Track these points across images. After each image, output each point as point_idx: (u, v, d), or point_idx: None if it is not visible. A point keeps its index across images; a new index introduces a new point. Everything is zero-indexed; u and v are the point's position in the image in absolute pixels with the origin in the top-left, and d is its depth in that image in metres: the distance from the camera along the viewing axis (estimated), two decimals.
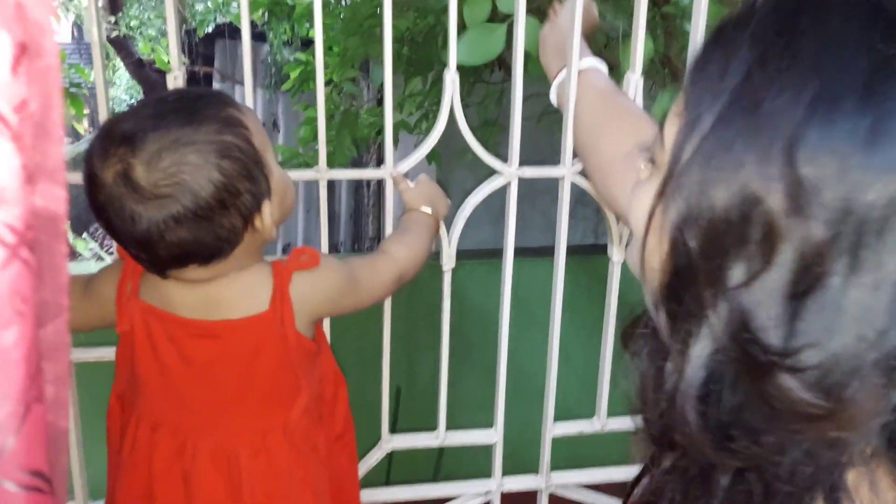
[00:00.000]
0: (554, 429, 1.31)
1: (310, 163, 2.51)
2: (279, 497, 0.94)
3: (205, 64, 6.22)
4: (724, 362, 0.42)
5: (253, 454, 0.93)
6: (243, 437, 0.93)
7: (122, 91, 9.96)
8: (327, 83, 2.41)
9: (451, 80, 1.14)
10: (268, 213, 0.84)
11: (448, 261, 1.21)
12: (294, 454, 0.95)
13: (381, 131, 2.87)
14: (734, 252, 0.40)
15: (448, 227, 1.19)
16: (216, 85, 6.09)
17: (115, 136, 0.78)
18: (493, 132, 2.82)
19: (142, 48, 4.70)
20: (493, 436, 1.30)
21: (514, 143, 1.17)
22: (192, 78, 5.90)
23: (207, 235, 0.80)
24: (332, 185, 5.48)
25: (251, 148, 0.82)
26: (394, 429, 1.99)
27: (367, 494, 1.28)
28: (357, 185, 5.17)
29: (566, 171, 1.19)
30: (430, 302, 2.27)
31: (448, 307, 1.25)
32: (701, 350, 0.43)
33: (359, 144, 2.65)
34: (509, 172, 1.19)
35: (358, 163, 4.63)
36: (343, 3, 2.52)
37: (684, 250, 0.43)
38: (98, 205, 0.80)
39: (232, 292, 0.87)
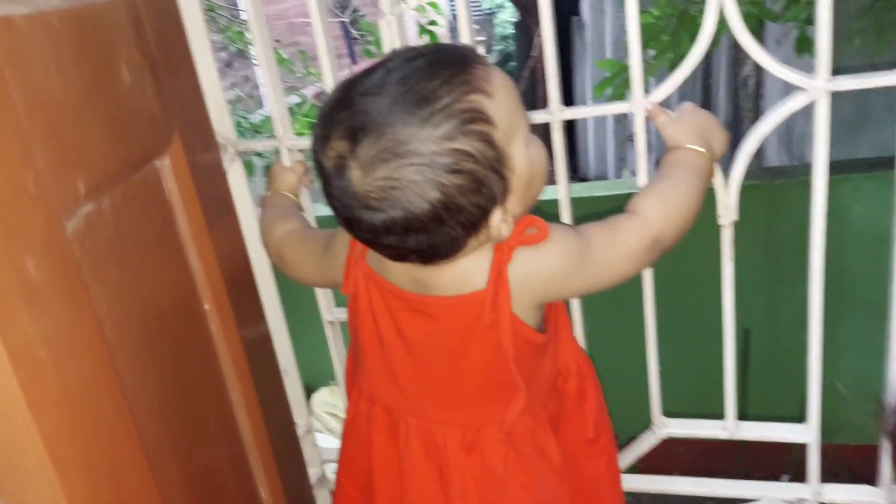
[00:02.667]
0: None
1: (645, 75, 2.24)
2: (492, 502, 0.82)
3: None
4: None
5: (465, 449, 0.83)
6: (453, 429, 0.83)
7: (508, 14, 10.38)
8: None
9: None
10: (498, 219, 0.69)
11: (726, 212, 0.92)
12: (513, 456, 0.82)
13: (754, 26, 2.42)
14: None
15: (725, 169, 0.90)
16: None
17: (338, 123, 0.67)
18: (891, 8, 2.19)
19: None
20: (804, 433, 1.00)
21: (822, 42, 0.82)
22: None
23: (422, 245, 0.69)
24: (707, 86, 4.99)
25: (490, 149, 0.66)
26: (743, 377, 1.76)
27: (642, 481, 1.10)
28: (735, 86, 4.60)
29: None
30: (798, 221, 1.90)
31: (731, 271, 0.96)
32: None
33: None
34: (814, 87, 0.85)
35: (707, 67, 4.10)
36: None
37: None
38: (321, 178, 0.72)
39: (445, 275, 0.75)
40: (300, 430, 1.15)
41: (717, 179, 0.90)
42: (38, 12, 0.57)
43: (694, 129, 0.85)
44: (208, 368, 0.83)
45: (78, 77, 0.61)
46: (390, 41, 0.96)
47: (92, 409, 0.56)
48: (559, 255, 0.74)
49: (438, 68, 0.66)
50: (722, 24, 0.91)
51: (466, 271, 0.74)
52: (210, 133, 0.92)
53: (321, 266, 0.89)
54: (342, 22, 5.82)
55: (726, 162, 0.90)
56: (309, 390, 2.45)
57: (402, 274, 0.77)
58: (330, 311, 1.15)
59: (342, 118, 0.66)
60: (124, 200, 0.68)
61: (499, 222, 0.69)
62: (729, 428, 1.03)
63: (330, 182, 0.68)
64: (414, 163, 0.63)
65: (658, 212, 0.78)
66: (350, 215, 0.68)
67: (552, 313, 0.82)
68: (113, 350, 0.61)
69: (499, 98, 0.67)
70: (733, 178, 0.91)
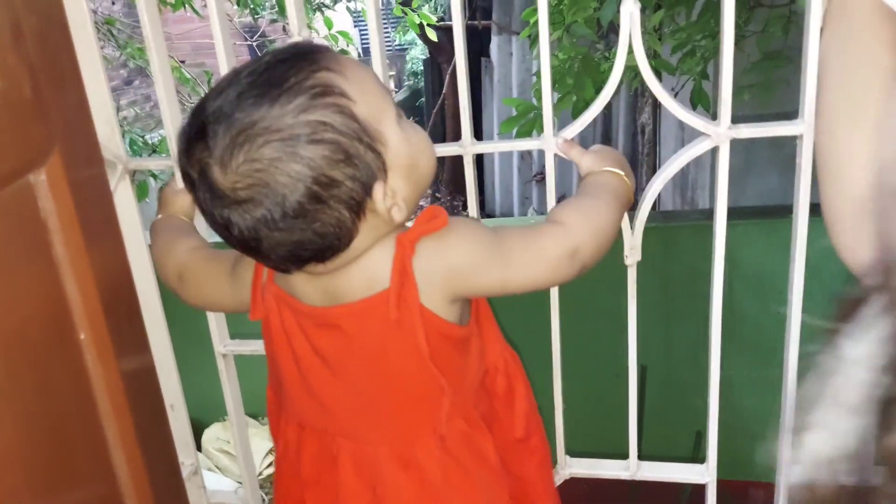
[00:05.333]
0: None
1: None
2: None
3: (483, 17, 6.20)
4: None
5: (401, 466, 0.79)
6: (385, 446, 0.79)
7: (418, 51, 10.50)
8: (559, 26, 2.14)
9: (629, 14, 0.85)
10: (380, 196, 0.67)
11: (632, 252, 0.93)
12: (451, 465, 0.79)
13: (638, 74, 2.52)
14: None
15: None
16: (493, 38, 6.05)
17: (193, 127, 0.67)
18: (778, 66, 2.34)
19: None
20: (702, 474, 1.01)
21: (725, 93, 0.85)
22: (469, 31, 5.92)
23: (309, 236, 0.66)
24: (608, 131, 5.17)
25: (351, 120, 0.65)
26: (640, 414, 1.76)
27: None
28: (634, 132, 4.81)
29: (805, 128, 0.83)
30: (690, 264, 1.98)
31: (633, 311, 0.97)
32: None
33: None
34: (718, 133, 0.87)
35: (608, 113, 4.28)
36: None
37: None
38: (197, 204, 0.70)
39: (353, 279, 0.73)
40: (186, 471, 1.07)
41: (624, 220, 0.90)
42: None
43: (609, 159, 0.86)
44: (81, 404, 0.76)
45: None
46: None
47: None
48: (464, 246, 0.73)
49: (285, 59, 0.67)
50: (627, 70, 0.94)
51: (369, 270, 0.72)
52: (95, 149, 0.84)
53: (229, 287, 0.85)
54: (249, 45, 5.72)
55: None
56: (201, 426, 2.32)
57: (311, 288, 0.74)
58: (223, 343, 1.09)
59: (195, 122, 0.66)
60: None
61: (383, 199, 0.67)
62: (631, 468, 1.03)
63: (198, 193, 0.67)
64: (270, 139, 0.62)
65: (578, 222, 0.77)
66: (225, 221, 0.66)
67: (473, 306, 0.80)
68: None
69: (351, 75, 0.67)
70: (638, 219, 0.92)
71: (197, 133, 0.66)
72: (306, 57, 0.67)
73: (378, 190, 0.67)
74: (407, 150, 0.70)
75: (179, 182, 0.98)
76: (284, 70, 0.65)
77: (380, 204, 0.67)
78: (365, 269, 0.72)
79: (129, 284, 0.89)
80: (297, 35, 0.90)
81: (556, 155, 0.91)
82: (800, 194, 0.86)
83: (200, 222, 0.99)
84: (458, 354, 0.78)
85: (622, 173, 0.84)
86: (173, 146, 0.97)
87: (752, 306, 1.88)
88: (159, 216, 0.97)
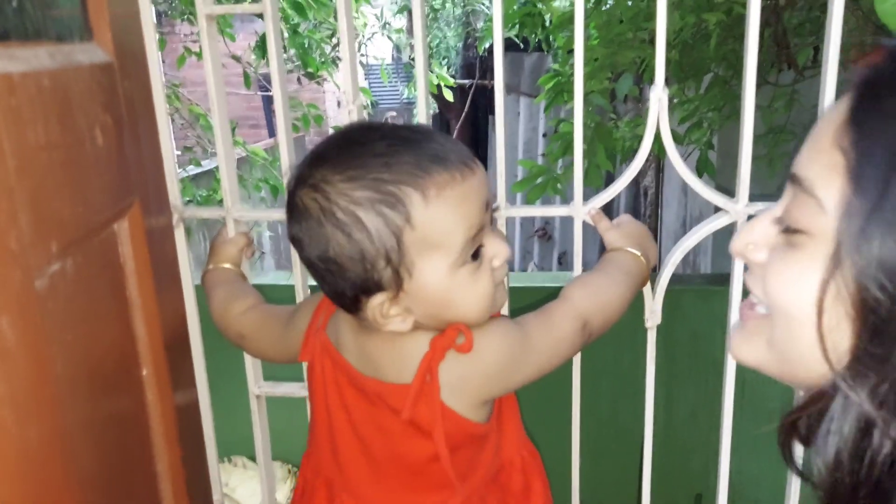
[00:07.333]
0: None
1: (560, 181, 2.37)
2: None
3: (491, 77, 6.37)
4: None
5: None
6: None
7: None
8: (572, 96, 2.24)
9: (658, 99, 0.93)
10: (377, 306, 0.70)
11: (652, 316, 0.99)
12: None
13: (642, 139, 2.62)
14: None
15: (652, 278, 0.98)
16: None
17: (310, 160, 0.71)
18: (781, 140, 2.44)
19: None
20: None
21: (744, 172, 0.92)
22: (479, 90, 6.09)
23: (326, 283, 0.72)
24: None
25: (393, 240, 0.66)
26: (640, 474, 1.79)
27: None
28: (636, 193, 4.91)
29: None
30: (693, 328, 2.03)
31: (652, 371, 1.03)
32: None
33: (616, 160, 2.44)
34: (736, 210, 0.94)
35: (612, 179, 4.38)
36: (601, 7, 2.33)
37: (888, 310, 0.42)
38: None
39: (384, 355, 0.76)
40: None
41: (646, 286, 0.97)
42: (33, 71, 0.58)
43: (632, 237, 0.92)
44: (140, 437, 0.81)
45: (60, 138, 0.62)
46: None
47: (44, 474, 0.54)
48: (499, 352, 0.75)
49: (411, 148, 0.67)
50: (634, 138, 1.02)
51: (403, 358, 0.74)
52: (165, 199, 0.92)
53: (283, 340, 0.90)
54: (266, 95, 5.86)
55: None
56: None
57: (354, 348, 0.78)
58: (257, 384, 1.14)
59: (305, 162, 0.71)
60: (84, 261, 0.68)
61: (377, 307, 0.69)
62: None
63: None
64: (319, 202, 0.67)
65: (587, 299, 0.82)
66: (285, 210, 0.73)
67: (497, 402, 0.83)
68: (65, 413, 0.59)
69: (436, 210, 0.66)
70: (659, 285, 0.98)
71: (306, 165, 0.70)
72: (425, 164, 0.66)
73: (377, 299, 0.69)
74: (438, 294, 0.70)
75: (231, 230, 1.05)
76: (395, 161, 0.66)
77: (371, 308, 0.70)
78: (397, 354, 0.75)
79: (185, 326, 0.95)
80: (351, 103, 0.98)
81: (560, 215, 0.97)
82: None
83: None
84: (473, 450, 0.81)
85: (639, 254, 0.90)
86: (227, 199, 1.04)
87: (751, 371, 1.93)
88: (210, 267, 1.03)
